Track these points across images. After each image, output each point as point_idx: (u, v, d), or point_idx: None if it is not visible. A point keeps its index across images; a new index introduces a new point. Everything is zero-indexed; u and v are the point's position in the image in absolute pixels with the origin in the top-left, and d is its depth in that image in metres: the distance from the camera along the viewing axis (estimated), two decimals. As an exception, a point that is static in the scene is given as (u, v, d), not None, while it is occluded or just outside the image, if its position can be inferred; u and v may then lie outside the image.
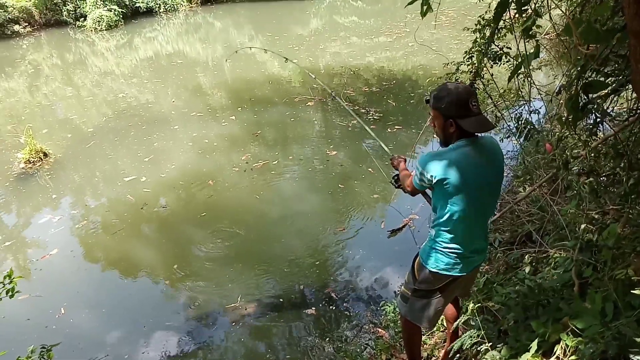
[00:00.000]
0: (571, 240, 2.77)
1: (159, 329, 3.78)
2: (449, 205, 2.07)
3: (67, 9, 16.74)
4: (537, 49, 1.90)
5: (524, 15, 1.97)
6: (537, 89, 4.05)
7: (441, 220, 2.13)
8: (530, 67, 4.95)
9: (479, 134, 2.08)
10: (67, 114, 9.06)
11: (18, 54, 14.18)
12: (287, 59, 4.08)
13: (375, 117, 7.25)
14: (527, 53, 1.95)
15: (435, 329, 3.16)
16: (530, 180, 3.87)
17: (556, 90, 2.39)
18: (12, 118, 8.83)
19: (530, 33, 1.81)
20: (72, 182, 6.38)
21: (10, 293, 1.85)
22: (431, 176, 2.02)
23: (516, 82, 4.01)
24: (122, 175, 6.26)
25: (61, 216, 5.52)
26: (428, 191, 2.28)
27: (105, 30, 15.98)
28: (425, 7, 2.00)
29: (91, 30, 15.97)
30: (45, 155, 6.84)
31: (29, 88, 10.98)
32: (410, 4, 2.19)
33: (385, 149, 3.13)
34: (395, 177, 2.64)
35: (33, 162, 6.67)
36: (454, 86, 2.02)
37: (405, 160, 2.66)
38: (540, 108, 4.78)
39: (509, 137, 4.28)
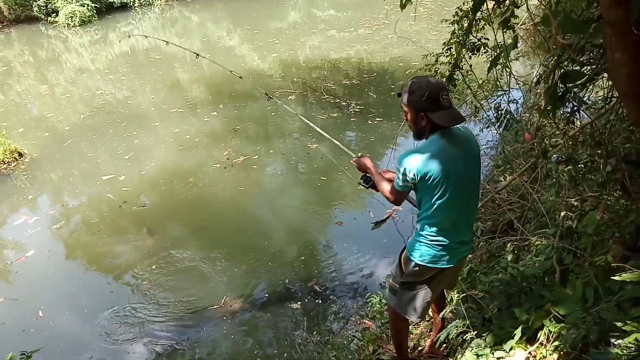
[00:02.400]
0: (551, 227, 2.82)
1: (143, 328, 3.73)
2: (432, 199, 2.09)
3: (38, 4, 16.23)
4: (515, 39, 1.92)
5: (501, 6, 1.98)
6: (515, 79, 4.10)
7: (426, 213, 2.15)
8: (509, 58, 5.01)
9: (452, 126, 2.10)
10: (43, 113, 8.82)
11: (-13, 51, 13.73)
12: (197, 54, 3.86)
13: (356, 110, 7.25)
14: (505, 44, 1.98)
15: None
16: (510, 169, 3.92)
17: (534, 80, 2.42)
18: (-16, 117, 8.57)
19: (508, 24, 1.81)
20: (49, 182, 6.23)
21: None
22: (413, 174, 2.03)
23: (494, 72, 4.05)
24: (100, 173, 6.13)
25: (38, 217, 5.39)
26: (412, 194, 2.27)
27: (79, 25, 15.56)
28: (404, 0, 1.99)
29: (64, 26, 15.53)
30: (21, 155, 6.66)
31: (0, 87, 10.65)
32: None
33: (347, 150, 2.96)
34: (365, 178, 2.53)
35: (8, 162, 6.49)
36: (424, 80, 2.04)
37: (370, 161, 2.50)
38: (519, 98, 4.85)
39: (488, 127, 4.32)
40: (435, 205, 2.09)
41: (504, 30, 4.28)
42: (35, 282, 4.36)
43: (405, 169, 2.05)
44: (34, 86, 10.52)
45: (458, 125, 2.13)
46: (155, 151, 6.65)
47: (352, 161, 2.59)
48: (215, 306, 3.88)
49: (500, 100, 4.34)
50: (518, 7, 2.33)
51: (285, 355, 3.42)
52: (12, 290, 4.24)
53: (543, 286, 2.54)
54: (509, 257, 2.93)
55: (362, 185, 2.57)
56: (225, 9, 16.67)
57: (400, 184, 2.11)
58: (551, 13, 1.35)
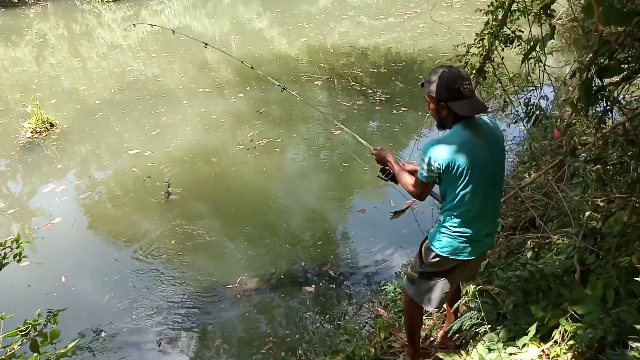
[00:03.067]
0: (575, 227, 2.77)
1: (159, 300, 3.83)
2: (457, 190, 2.08)
3: (74, -21, 16.51)
4: (552, 30, 1.87)
5: None
6: (548, 74, 4.00)
7: (450, 204, 2.14)
8: (542, 53, 4.88)
9: (476, 116, 2.10)
10: (75, 85, 9.03)
11: (24, 22, 14.06)
12: (206, 44, 3.85)
13: (382, 99, 7.19)
14: (542, 36, 1.93)
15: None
16: (536, 166, 3.85)
17: (569, 74, 2.35)
18: (20, 87, 8.81)
19: (548, 11, 1.76)
20: (78, 153, 6.39)
21: (17, 258, 1.87)
22: (439, 164, 2.02)
23: (526, 67, 3.96)
24: (126, 148, 6.26)
25: (65, 186, 5.55)
26: (435, 188, 2.25)
27: (112, 1, 15.79)
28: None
29: (98, 1, 15.79)
30: (52, 125, 6.84)
31: (36, 58, 10.91)
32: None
33: (365, 143, 2.94)
34: (385, 171, 2.53)
35: (39, 132, 6.67)
36: (445, 70, 2.04)
37: (390, 153, 2.49)
38: (550, 94, 4.74)
39: (516, 122, 4.24)
40: (460, 196, 2.08)
41: (541, 22, 4.17)
42: (60, 249, 4.51)
43: (430, 158, 2.04)
44: (67, 59, 10.76)
45: (483, 117, 2.11)
46: (181, 129, 6.74)
47: (372, 152, 2.58)
48: (231, 285, 3.94)
49: (531, 95, 4.24)
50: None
51: (297, 336, 3.46)
52: (38, 254, 4.38)
53: (562, 285, 2.50)
54: (529, 254, 2.90)
55: (381, 178, 2.57)
56: (257, -9, 16.61)
57: (425, 174, 2.10)
58: (595, 2, 1.31)
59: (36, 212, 5.15)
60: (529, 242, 2.97)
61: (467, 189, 2.06)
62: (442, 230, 2.20)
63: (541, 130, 3.65)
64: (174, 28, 12.50)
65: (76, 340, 2.11)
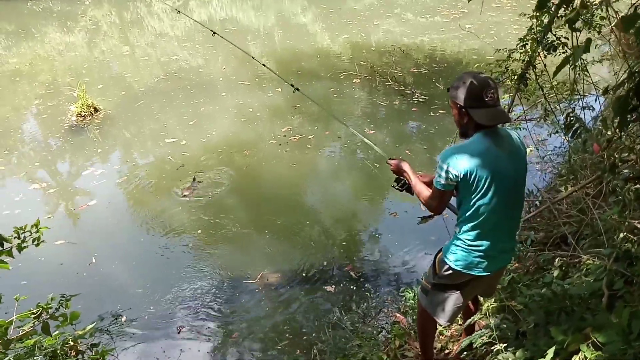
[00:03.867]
0: (607, 248, 2.63)
1: (181, 289, 3.92)
2: (474, 199, 2.02)
3: (129, -32, 17.05)
4: (587, 43, 1.75)
5: (570, 6, 1.82)
6: (593, 84, 3.81)
7: (466, 215, 2.07)
8: (591, 61, 4.64)
9: (499, 126, 2.04)
10: (122, 72, 9.34)
11: (80, 9, 14.65)
12: (214, 32, 3.79)
13: (420, 100, 7.06)
14: (579, 45, 1.82)
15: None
16: (574, 179, 3.67)
17: (610, 88, 2.22)
18: (71, 71, 9.20)
19: (574, 25, 1.67)
20: (118, 138, 6.62)
21: (36, 242, 1.95)
22: (456, 172, 1.96)
23: (569, 74, 3.78)
24: (164, 136, 6.43)
25: (104, 170, 5.77)
26: (453, 200, 2.18)
27: (163, -9, 16.23)
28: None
29: (150, -9, 16.26)
30: (96, 110, 7.11)
31: (88, 44, 11.36)
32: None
33: (380, 151, 2.87)
34: (401, 183, 2.47)
35: (84, 116, 6.96)
36: (469, 76, 1.99)
37: (407, 164, 2.42)
38: (597, 104, 4.50)
39: (557, 132, 4.05)
40: (476, 206, 2.01)
41: (589, 30, 3.96)
42: (93, 230, 4.69)
43: (448, 165, 1.98)
44: (117, 46, 11.14)
45: (508, 129, 2.05)
46: (218, 120, 6.85)
47: (387, 162, 2.52)
48: (252, 279, 3.98)
49: (575, 105, 4.05)
50: (587, 7, 2.13)
51: (313, 335, 3.47)
52: (72, 234, 4.59)
53: (587, 309, 2.38)
54: (555, 273, 2.78)
55: (396, 188, 2.51)
56: (303, -15, 16.63)
57: (442, 182, 2.03)
58: (621, 20, 1.22)
59: (75, 193, 5.39)
60: (557, 260, 2.83)
61: (484, 200, 1.99)
62: (457, 242, 2.14)
63: (580, 142, 3.47)
64: (220, 19, 12.61)
65: (94, 323, 2.18)
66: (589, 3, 3.78)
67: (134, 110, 7.35)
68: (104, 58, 10.29)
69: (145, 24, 13.14)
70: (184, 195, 5.05)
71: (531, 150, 4.92)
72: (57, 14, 14.23)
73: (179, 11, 4.21)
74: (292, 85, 3.38)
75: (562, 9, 3.51)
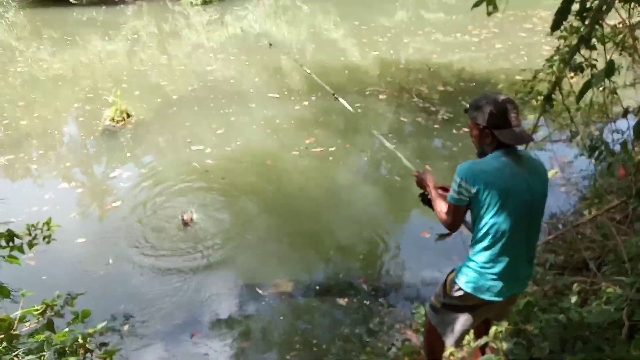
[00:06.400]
0: (631, 276, 2.54)
1: (199, 292, 3.97)
2: (488, 217, 1.97)
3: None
4: (610, 65, 1.73)
5: (585, 22, 1.80)
6: (623, 107, 3.69)
7: (479, 235, 2.03)
8: (622, 85, 4.52)
9: (518, 147, 2.02)
10: (159, 80, 9.64)
11: (121, 19, 15.26)
12: (270, 44, 3.95)
13: (444, 117, 7.02)
14: (604, 70, 1.79)
15: (465, 342, 3.04)
16: (598, 204, 3.57)
17: (630, 111, 2.18)
18: (111, 77, 9.55)
19: (589, 44, 1.64)
20: (148, 143, 6.82)
21: (47, 240, 2.02)
22: (471, 186, 1.94)
23: (600, 97, 3.69)
24: (191, 143, 6.57)
25: (130, 173, 5.94)
26: (468, 217, 2.14)
27: (201, 5, 16.74)
28: (490, 7, 1.90)
29: (188, 4, 16.81)
30: (129, 115, 7.35)
31: (128, 52, 11.80)
32: (476, 5, 2.08)
33: (408, 164, 2.84)
34: (425, 198, 2.43)
35: (117, 120, 7.20)
36: (492, 97, 1.99)
37: (430, 177, 2.39)
38: (626, 129, 4.37)
39: (582, 154, 3.96)
40: (489, 224, 1.97)
41: (620, 52, 3.87)
42: (114, 231, 4.77)
43: (462, 179, 1.96)
44: (155, 55, 11.53)
45: (529, 152, 2.02)
46: (246, 130, 6.98)
47: (412, 174, 2.51)
48: (266, 286, 4.00)
49: (604, 128, 3.95)
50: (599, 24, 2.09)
51: (323, 347, 3.45)
52: (94, 234, 4.71)
53: (605, 339, 2.30)
54: (573, 299, 2.69)
55: (422, 203, 2.48)
56: (336, 1, 16.87)
57: (455, 196, 2.01)
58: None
59: (101, 194, 5.57)
60: (574, 285, 2.75)
61: (499, 219, 1.94)
62: (469, 264, 2.10)
63: (605, 166, 3.38)
64: (254, 33, 12.90)
65: (105, 322, 2.23)
66: (618, 25, 3.71)
67: (166, 117, 7.56)
68: (143, 66, 10.65)
69: (182, 35, 13.56)
70: (185, 224, 4.77)
71: (556, 172, 4.83)
72: (100, 23, 14.88)
73: (270, 44, 4.35)
74: (334, 94, 3.64)
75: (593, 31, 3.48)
